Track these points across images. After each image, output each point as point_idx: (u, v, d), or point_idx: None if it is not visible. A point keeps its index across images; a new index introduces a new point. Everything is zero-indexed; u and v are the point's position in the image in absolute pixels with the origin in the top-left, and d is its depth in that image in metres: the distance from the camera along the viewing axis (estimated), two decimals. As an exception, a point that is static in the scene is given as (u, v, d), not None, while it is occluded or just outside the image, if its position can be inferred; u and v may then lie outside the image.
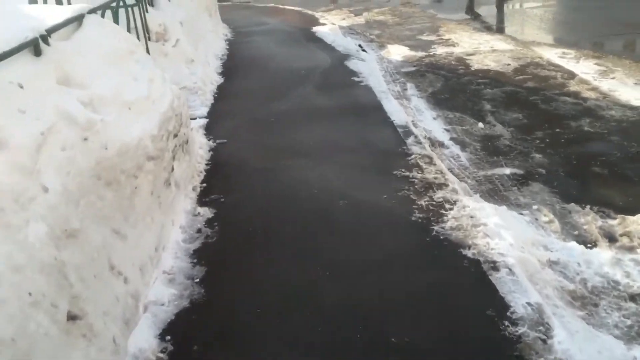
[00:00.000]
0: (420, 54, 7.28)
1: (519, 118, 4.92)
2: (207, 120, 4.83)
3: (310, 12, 10.26)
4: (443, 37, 8.11)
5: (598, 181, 3.75)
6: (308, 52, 6.91)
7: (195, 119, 4.74)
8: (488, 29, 8.54)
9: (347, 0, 12.11)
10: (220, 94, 5.59)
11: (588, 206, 3.43)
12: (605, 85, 5.52)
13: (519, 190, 3.71)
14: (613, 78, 5.71)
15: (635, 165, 3.89)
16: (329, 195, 3.39)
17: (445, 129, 4.76)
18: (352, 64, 6.27)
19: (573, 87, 5.57)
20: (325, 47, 7.09)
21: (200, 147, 4.10)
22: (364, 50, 7.57)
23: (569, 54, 6.70)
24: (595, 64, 6.23)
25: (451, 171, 3.96)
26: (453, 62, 6.74)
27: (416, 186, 3.46)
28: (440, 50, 7.36)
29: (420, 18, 9.59)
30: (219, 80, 6.00)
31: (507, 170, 3.99)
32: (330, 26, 8.22)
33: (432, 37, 8.14)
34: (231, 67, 6.45)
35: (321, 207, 3.27)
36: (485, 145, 4.42)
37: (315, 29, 8.13)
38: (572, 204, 3.48)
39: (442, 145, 4.44)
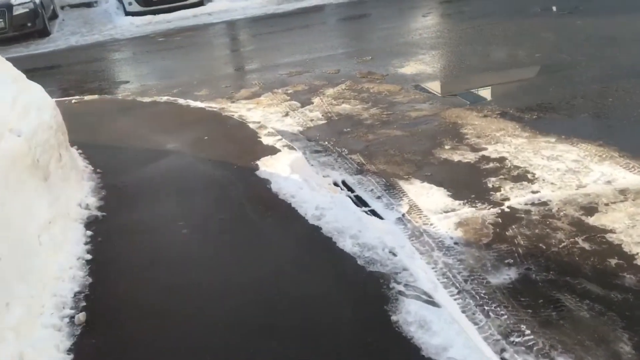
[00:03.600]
0: (486, 212, 3.70)
1: None
2: None
3: (230, 107, 6.43)
4: (486, 152, 4.61)
5: None
6: (278, 268, 2.95)
7: None
8: (531, 121, 5.18)
9: (264, 74, 8.40)
10: None
11: None
12: None
13: None
14: None
15: None
16: None
17: None
18: (424, 337, 2.48)
19: None
20: (309, 240, 3.21)
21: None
22: (366, 208, 3.90)
23: None
24: None
25: None
26: (585, 246, 3.21)
27: None
28: (516, 198, 3.83)
29: (410, 104, 6.07)
30: None
31: None
32: (289, 155, 4.40)
33: (469, 155, 4.61)
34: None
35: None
36: None
37: (262, 166, 4.22)
38: None
39: None
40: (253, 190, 3.87)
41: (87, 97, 7.06)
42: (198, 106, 6.09)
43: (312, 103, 6.49)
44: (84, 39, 12.91)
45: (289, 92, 7.02)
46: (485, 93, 6.21)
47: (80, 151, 4.98)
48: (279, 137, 4.92)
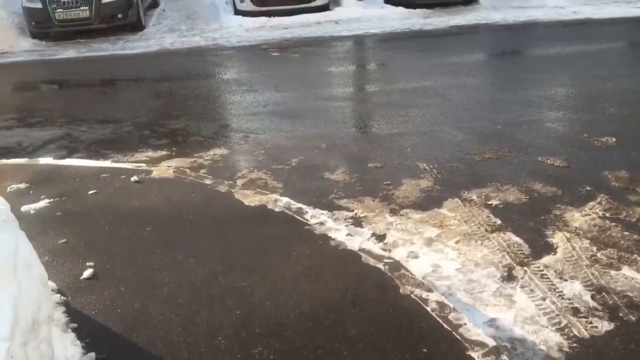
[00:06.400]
0: None
1: None
2: None
3: (394, 235, 3.48)
4: None
5: None
6: None
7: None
8: None
9: (431, 146, 5.38)
10: None
11: None
12: None
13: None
14: None
15: None
16: None
17: None
18: None
19: None
20: None
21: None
22: None
23: None
24: None
25: None
26: None
27: None
28: None
29: None
30: None
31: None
32: None
33: None
34: None
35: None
36: None
37: None
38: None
39: None
40: None
41: (157, 172, 4.35)
42: (344, 247, 3.15)
43: (555, 249, 3.38)
44: (180, 41, 10.47)
45: (492, 204, 3.94)
46: None
47: None
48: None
